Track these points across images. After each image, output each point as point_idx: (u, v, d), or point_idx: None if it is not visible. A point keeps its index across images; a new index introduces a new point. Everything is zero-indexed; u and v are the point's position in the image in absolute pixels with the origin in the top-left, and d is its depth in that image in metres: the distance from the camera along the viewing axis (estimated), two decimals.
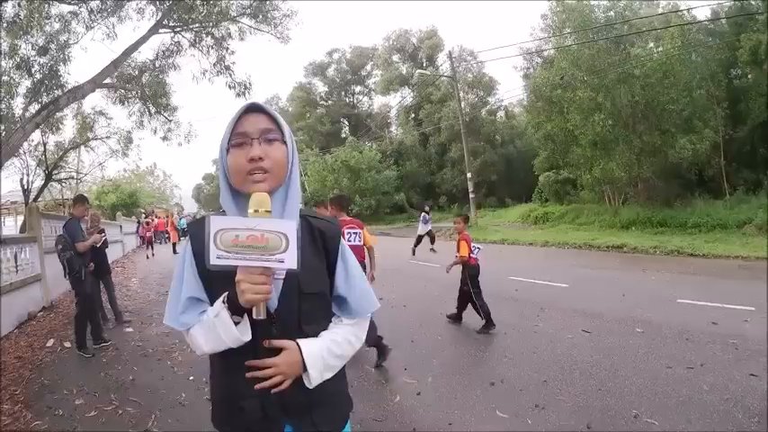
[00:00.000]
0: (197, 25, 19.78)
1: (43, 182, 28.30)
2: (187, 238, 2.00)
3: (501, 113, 56.29)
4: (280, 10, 21.23)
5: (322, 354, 1.90)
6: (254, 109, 1.88)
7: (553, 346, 7.64)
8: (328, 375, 1.94)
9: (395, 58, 67.26)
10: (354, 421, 4.91)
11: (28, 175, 27.63)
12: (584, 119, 25.60)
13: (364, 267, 7.42)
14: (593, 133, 25.13)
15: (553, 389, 5.93)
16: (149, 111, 22.13)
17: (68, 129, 25.92)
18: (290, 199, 1.93)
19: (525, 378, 6.33)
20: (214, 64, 21.07)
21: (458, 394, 5.93)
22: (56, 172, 29.10)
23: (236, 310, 1.74)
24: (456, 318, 9.68)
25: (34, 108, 17.25)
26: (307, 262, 1.84)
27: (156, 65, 20.69)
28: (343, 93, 76.83)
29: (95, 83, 17.62)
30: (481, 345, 7.98)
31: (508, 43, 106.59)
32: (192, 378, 6.80)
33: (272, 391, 1.83)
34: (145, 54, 22.33)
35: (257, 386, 1.83)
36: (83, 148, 28.84)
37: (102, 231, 10.21)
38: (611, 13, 28.67)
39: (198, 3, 18.66)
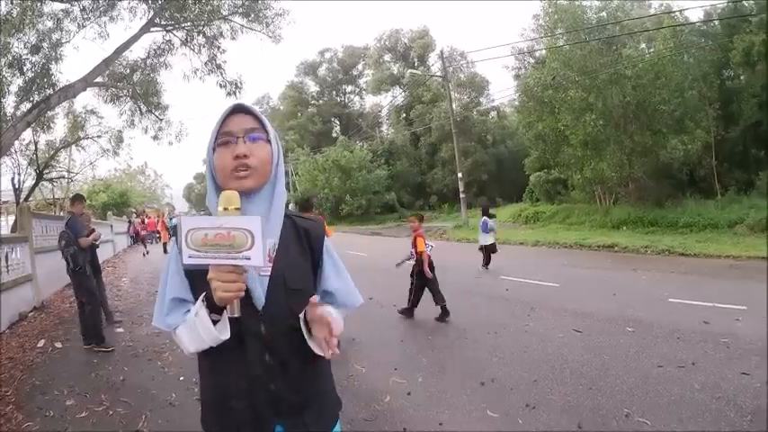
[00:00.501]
0: (189, 24, 19.77)
1: (34, 181, 28.22)
2: (173, 240, 1.99)
3: (493, 113, 56.34)
4: (271, 9, 21.25)
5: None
6: (239, 110, 1.91)
7: (544, 345, 7.64)
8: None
9: (386, 57, 67.33)
10: (344, 421, 4.89)
11: (19, 174, 27.57)
12: (576, 119, 25.66)
13: None
14: (584, 133, 25.19)
15: (544, 388, 5.93)
16: (140, 109, 22.12)
17: (60, 127, 25.89)
18: (275, 198, 1.95)
19: (516, 377, 6.33)
20: (205, 63, 21.07)
21: (448, 394, 5.92)
22: (47, 171, 29.01)
23: (215, 308, 1.74)
24: (409, 312, 10.22)
25: (25, 107, 17.21)
26: (292, 259, 1.91)
27: (148, 63, 20.67)
28: (334, 92, 76.99)
29: (87, 81, 17.60)
30: (471, 344, 7.96)
31: (500, 43, 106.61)
32: (182, 378, 6.79)
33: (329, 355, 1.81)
34: (136, 53, 22.34)
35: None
36: (74, 147, 28.78)
37: (93, 231, 10.18)
38: (603, 13, 28.71)
39: (190, 1, 18.64)
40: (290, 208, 2.05)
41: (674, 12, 29.00)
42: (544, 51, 32.80)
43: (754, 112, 24.96)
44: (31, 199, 29.77)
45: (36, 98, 17.10)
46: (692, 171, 27.72)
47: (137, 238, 37.92)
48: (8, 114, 17.39)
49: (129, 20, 19.10)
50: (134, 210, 51.51)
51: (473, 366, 6.85)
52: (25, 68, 16.99)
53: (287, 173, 62.88)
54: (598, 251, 19.34)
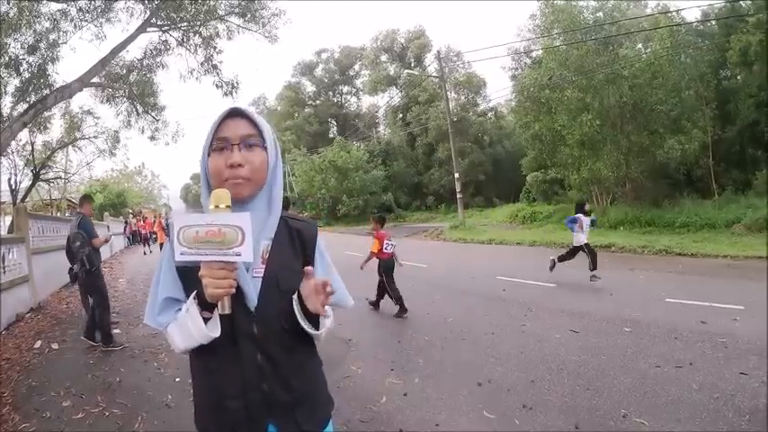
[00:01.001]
0: (185, 24, 19.81)
1: (31, 182, 28.24)
2: (167, 238, 2.00)
3: (490, 114, 56.42)
4: (268, 9, 21.34)
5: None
6: (236, 114, 1.90)
7: (541, 345, 7.62)
8: (326, 326, 1.99)
9: (383, 58, 67.53)
10: (340, 422, 4.92)
11: (16, 174, 27.62)
12: (572, 119, 25.69)
13: None
14: (581, 133, 25.20)
15: (541, 389, 5.91)
16: (137, 110, 22.17)
17: (56, 128, 26.01)
18: (272, 201, 1.96)
19: (513, 378, 6.31)
20: (202, 63, 21.14)
21: (445, 395, 5.91)
22: (43, 172, 29.07)
23: (207, 306, 1.76)
24: (375, 305, 10.71)
25: (22, 107, 17.21)
26: (285, 261, 1.92)
27: (144, 64, 20.68)
28: (331, 92, 77.38)
29: (83, 82, 17.60)
30: (468, 345, 7.94)
31: (496, 44, 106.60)
32: (178, 379, 6.79)
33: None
34: (133, 53, 22.39)
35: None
36: (70, 147, 28.81)
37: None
38: (600, 14, 28.73)
39: (186, 1, 18.66)
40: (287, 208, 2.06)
41: (671, 12, 29.04)
42: (541, 51, 32.79)
43: (751, 111, 25.02)
44: (27, 200, 29.85)
45: (32, 98, 17.12)
46: (689, 171, 27.77)
47: (134, 239, 38.00)
48: (4, 115, 17.39)
49: (126, 22, 19.14)
50: (131, 210, 51.53)
51: (470, 367, 6.83)
52: (22, 69, 17.02)
53: (284, 173, 63.14)
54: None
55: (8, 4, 15.87)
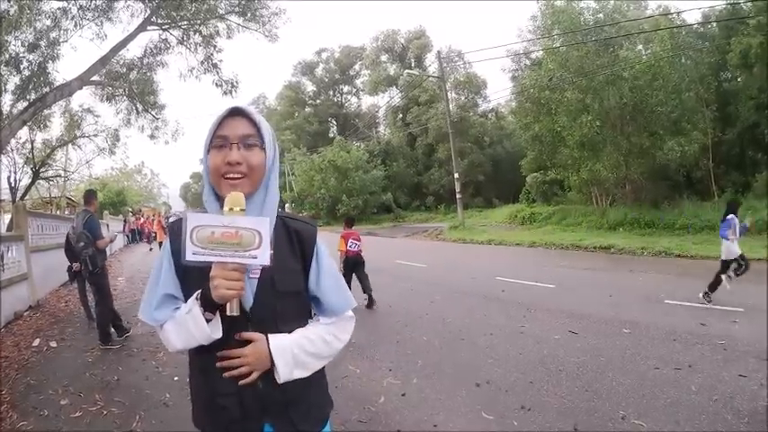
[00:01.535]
0: (185, 23, 19.81)
1: (30, 180, 28.21)
2: (167, 236, 2.02)
3: (490, 114, 56.48)
4: (268, 8, 21.31)
5: (292, 349, 1.91)
6: (236, 113, 1.91)
7: (540, 346, 7.61)
8: (300, 373, 1.95)
9: (383, 58, 67.61)
10: (338, 422, 4.91)
11: (15, 172, 27.56)
12: (572, 120, 25.67)
13: None
14: (581, 134, 25.21)
15: (539, 390, 5.91)
16: (137, 108, 22.15)
17: (56, 126, 25.96)
18: (267, 202, 1.95)
19: (511, 379, 6.31)
20: (202, 62, 21.14)
21: (443, 395, 5.90)
22: (43, 170, 29.02)
23: (209, 307, 1.77)
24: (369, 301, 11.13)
25: (22, 105, 17.19)
26: (282, 262, 1.90)
27: (144, 62, 20.67)
28: (331, 92, 77.50)
29: (83, 80, 17.61)
30: (467, 345, 7.93)
31: (496, 45, 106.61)
32: (176, 378, 6.78)
33: (240, 383, 1.86)
34: (133, 51, 22.31)
35: (226, 374, 1.85)
36: (70, 145, 28.75)
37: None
38: (600, 15, 28.72)
39: (186, 0, 18.63)
40: (286, 207, 2.05)
41: (672, 13, 29.03)
42: (541, 53, 32.78)
43: (751, 114, 25.04)
44: (27, 198, 29.78)
45: (32, 97, 17.10)
46: (689, 173, 27.83)
47: (133, 237, 38.11)
48: (4, 113, 17.37)
49: (126, 22, 19.13)
50: (130, 209, 51.54)
51: (468, 368, 6.83)
52: (22, 67, 17.00)
53: (283, 173, 62.99)
54: (594, 252, 19.33)
55: (9, 1, 15.86)
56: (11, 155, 26.27)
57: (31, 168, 27.45)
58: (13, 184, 27.57)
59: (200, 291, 1.80)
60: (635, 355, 6.93)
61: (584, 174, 26.79)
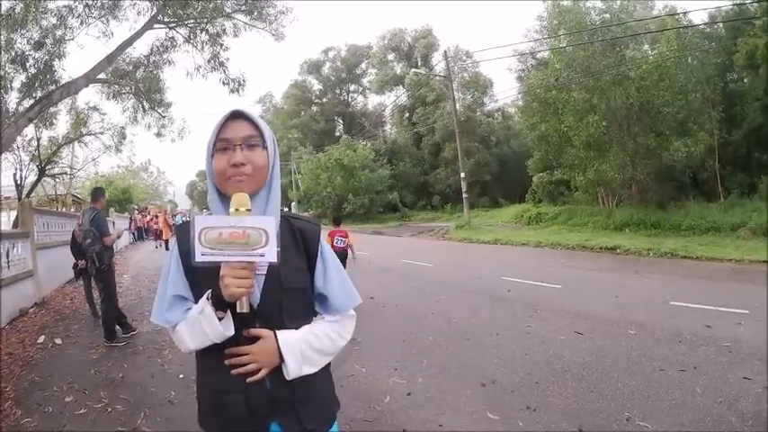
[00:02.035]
0: (192, 21, 19.80)
1: (36, 177, 28.25)
2: (174, 239, 2.05)
3: (497, 114, 56.49)
4: (274, 7, 21.26)
5: (300, 345, 1.94)
6: (237, 116, 1.97)
7: (545, 347, 7.60)
8: (308, 369, 1.97)
9: (390, 57, 67.66)
10: (344, 421, 4.90)
11: (21, 170, 27.58)
12: (579, 120, 25.60)
13: None
14: (588, 134, 25.14)
15: (545, 390, 5.89)
16: (143, 106, 22.15)
17: (62, 124, 26.02)
18: (271, 201, 2.00)
19: (517, 379, 6.29)
20: (208, 60, 21.12)
21: (448, 395, 5.89)
22: (49, 167, 29.03)
23: (220, 306, 1.80)
24: None
25: (28, 103, 17.20)
26: (288, 259, 1.92)
27: (151, 60, 20.67)
28: (337, 91, 77.32)
29: (89, 78, 17.61)
30: (473, 345, 7.92)
31: (503, 44, 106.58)
32: (181, 376, 6.80)
33: (248, 380, 1.87)
34: (139, 49, 22.31)
35: (234, 371, 1.87)
36: (76, 143, 28.81)
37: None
38: (607, 15, 28.66)
39: None
40: (293, 206, 2.07)
41: (678, 14, 28.97)
42: (548, 52, 32.74)
43: (758, 115, 24.95)
44: (32, 195, 29.81)
45: (38, 94, 17.11)
46: (695, 174, 27.74)
47: (139, 235, 38.26)
48: (10, 110, 17.38)
49: (133, 20, 19.13)
50: (136, 207, 51.66)
51: (474, 368, 6.83)
52: (28, 64, 17.00)
53: (289, 171, 63.08)
54: (600, 253, 19.26)
55: None
56: (17, 152, 26.30)
57: (37, 166, 27.47)
58: (18, 182, 27.60)
59: (210, 290, 1.82)
60: (640, 357, 6.91)
61: (591, 174, 26.71)
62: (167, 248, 27.49)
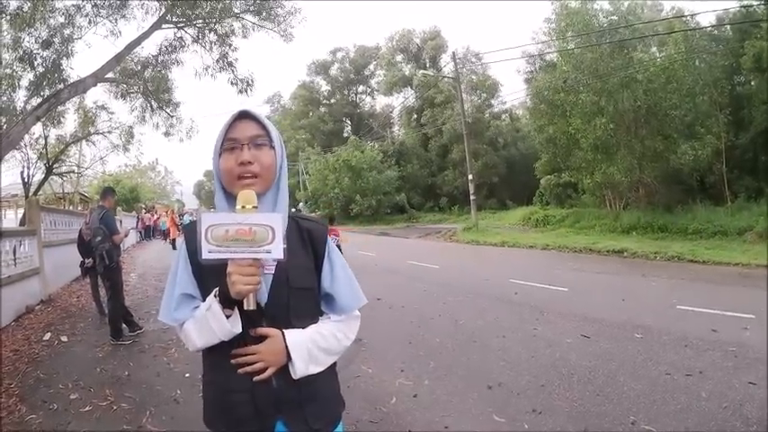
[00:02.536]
0: (200, 21, 19.84)
1: (44, 175, 28.38)
2: (182, 238, 2.07)
3: (505, 116, 56.51)
4: (283, 7, 21.33)
5: (307, 344, 1.95)
6: (245, 116, 2.00)
7: (552, 350, 7.58)
8: (314, 369, 1.98)
9: (398, 58, 67.83)
10: (349, 422, 4.90)
11: (28, 168, 27.76)
12: (586, 122, 25.57)
13: None
14: (595, 137, 25.13)
15: (551, 393, 5.89)
16: (151, 106, 22.22)
17: (70, 122, 26.06)
18: (280, 200, 2.02)
19: (523, 382, 6.28)
20: (217, 60, 21.16)
21: (454, 397, 5.89)
22: (56, 165, 29.21)
23: (227, 303, 1.80)
24: None
25: (36, 101, 17.25)
26: (295, 259, 1.93)
27: (159, 60, 20.71)
28: (346, 92, 77.42)
29: (97, 77, 17.65)
30: (479, 348, 7.91)
31: (511, 46, 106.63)
32: (187, 375, 6.79)
33: (255, 379, 1.88)
34: (147, 49, 22.34)
35: (240, 370, 1.88)
36: (84, 142, 28.93)
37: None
38: (614, 17, 28.63)
39: None
40: (300, 206, 2.07)
41: (686, 16, 28.93)
42: (555, 54, 32.73)
43: (765, 118, 24.83)
44: (40, 193, 29.96)
45: (46, 93, 17.16)
46: (702, 177, 27.63)
47: (146, 234, 38.45)
48: (18, 109, 17.44)
49: (141, 19, 19.16)
50: (144, 206, 51.76)
51: (480, 370, 6.82)
52: (36, 63, 17.06)
53: (297, 172, 63.20)
54: (607, 256, 19.23)
55: None
56: (24, 150, 26.47)
57: (45, 164, 27.64)
58: (26, 180, 27.73)
59: (217, 288, 1.82)
60: (646, 361, 6.89)
61: (598, 177, 26.68)
62: (174, 248, 27.64)
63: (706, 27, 28.00)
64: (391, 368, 6.97)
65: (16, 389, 6.42)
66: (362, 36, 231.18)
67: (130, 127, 25.39)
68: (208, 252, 1.71)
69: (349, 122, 77.22)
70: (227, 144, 1.95)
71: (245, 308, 1.79)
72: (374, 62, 73.73)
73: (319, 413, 2.03)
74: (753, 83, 27.29)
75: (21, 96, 17.95)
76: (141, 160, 49.25)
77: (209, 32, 20.57)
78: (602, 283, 13.36)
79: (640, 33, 27.41)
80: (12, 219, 33.29)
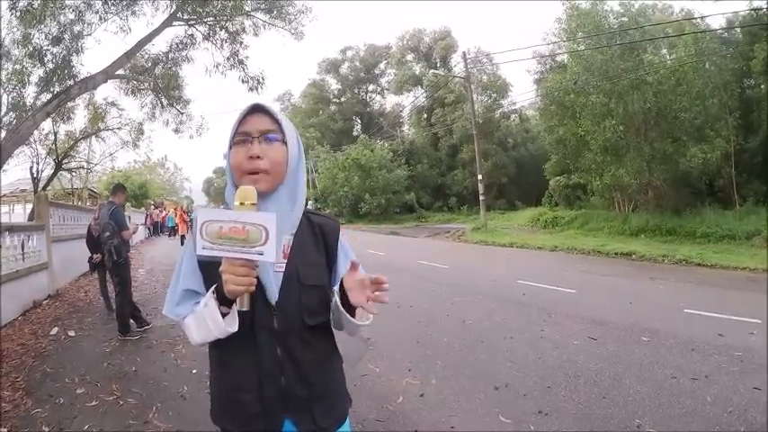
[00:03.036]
0: (211, 19, 19.89)
1: (53, 171, 28.43)
2: (189, 230, 2.03)
3: (514, 116, 56.46)
4: (294, 6, 21.44)
5: None
6: (258, 109, 1.96)
7: (559, 351, 7.58)
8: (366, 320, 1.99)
9: (408, 57, 67.84)
10: (356, 421, 4.91)
11: (38, 163, 27.82)
12: (596, 124, 25.52)
13: None
14: (605, 139, 25.07)
15: (557, 395, 5.89)
16: (161, 103, 22.29)
17: (80, 118, 26.08)
18: (297, 197, 2.00)
19: (530, 383, 6.28)
20: (227, 58, 21.23)
21: (461, 397, 5.89)
22: (66, 161, 29.27)
23: (225, 301, 1.78)
24: None
25: (45, 97, 17.30)
26: (307, 256, 1.96)
27: (170, 57, 20.76)
28: (356, 90, 77.35)
29: (107, 74, 17.71)
30: (486, 348, 7.91)
31: (521, 46, 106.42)
32: (195, 371, 6.82)
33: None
34: (158, 46, 22.41)
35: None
36: (93, 138, 29.02)
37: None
38: (625, 18, 28.56)
39: None
40: (308, 205, 2.07)
41: (696, 18, 28.86)
42: (566, 56, 32.67)
43: None
44: (49, 188, 30.01)
45: (56, 89, 17.20)
46: (711, 180, 27.50)
47: (155, 230, 38.57)
48: (28, 104, 17.49)
49: (151, 15, 19.23)
50: (152, 202, 51.83)
51: (487, 370, 6.83)
52: (46, 59, 17.10)
53: (307, 170, 63.28)
54: (616, 258, 19.19)
55: None
56: (34, 146, 26.54)
57: (54, 159, 27.69)
58: (35, 175, 27.79)
59: (215, 285, 1.81)
60: (653, 364, 6.88)
61: (607, 179, 26.62)
62: (182, 243, 27.84)
63: (716, 29, 27.93)
64: (399, 367, 6.98)
65: (23, 383, 6.46)
66: (373, 35, 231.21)
67: (140, 123, 25.57)
68: (202, 249, 1.69)
69: (359, 121, 77.16)
70: (239, 137, 1.92)
71: (238, 308, 1.77)
72: (384, 61, 73.75)
73: (327, 411, 2.02)
74: (762, 86, 27.13)
75: (31, 92, 18.01)
76: (151, 156, 49.32)
77: (220, 30, 20.62)
78: (609, 286, 13.34)
79: (650, 35, 27.36)
80: (20, 213, 33.42)
